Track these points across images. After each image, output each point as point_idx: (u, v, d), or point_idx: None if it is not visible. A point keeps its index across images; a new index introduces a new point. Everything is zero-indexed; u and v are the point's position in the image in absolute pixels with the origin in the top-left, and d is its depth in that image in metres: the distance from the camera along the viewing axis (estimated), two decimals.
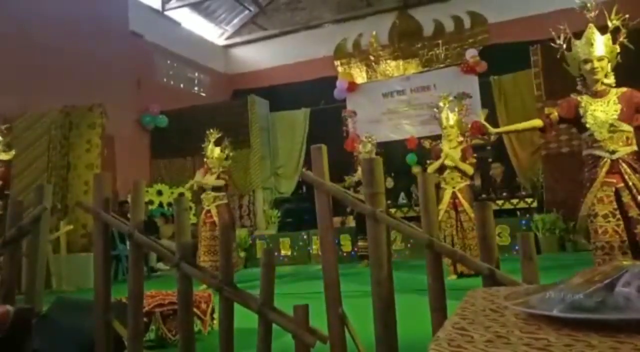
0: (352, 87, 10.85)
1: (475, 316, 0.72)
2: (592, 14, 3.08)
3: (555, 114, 3.18)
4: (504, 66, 9.20)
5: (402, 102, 10.57)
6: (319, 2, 11.95)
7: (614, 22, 3.03)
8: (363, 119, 10.61)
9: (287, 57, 11.86)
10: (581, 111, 3.12)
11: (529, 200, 8.05)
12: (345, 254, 8.20)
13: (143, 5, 10.67)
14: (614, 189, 3.01)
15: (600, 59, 3.04)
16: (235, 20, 12.76)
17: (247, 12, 12.60)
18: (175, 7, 11.17)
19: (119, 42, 9.51)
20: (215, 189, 6.26)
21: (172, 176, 10.18)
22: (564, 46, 3.19)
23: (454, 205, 5.43)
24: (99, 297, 2.41)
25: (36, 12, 7.97)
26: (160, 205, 9.72)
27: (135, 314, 2.28)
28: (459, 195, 5.41)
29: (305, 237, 8.69)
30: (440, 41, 10.65)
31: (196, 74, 12.09)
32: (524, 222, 7.54)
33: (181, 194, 8.00)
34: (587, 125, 3.09)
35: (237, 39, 12.82)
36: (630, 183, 2.96)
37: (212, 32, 12.62)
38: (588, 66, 3.07)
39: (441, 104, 5.78)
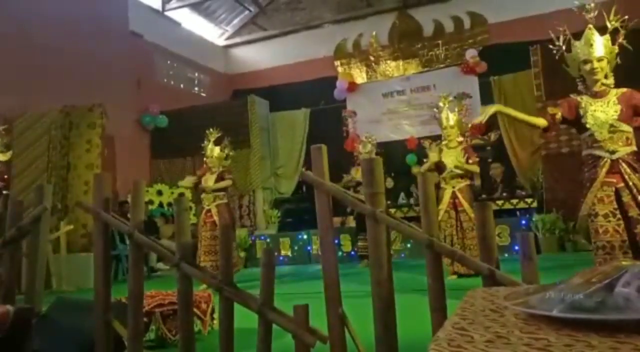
0: (352, 87, 10.86)
1: (475, 316, 0.72)
2: (592, 15, 3.08)
3: (559, 114, 3.18)
4: (504, 66, 9.20)
5: (402, 103, 10.58)
6: (319, 2, 11.95)
7: (613, 23, 3.03)
8: (363, 119, 10.61)
9: (287, 57, 11.86)
10: (581, 112, 3.13)
11: (529, 200, 8.05)
12: (345, 254, 8.21)
13: (143, 5, 10.67)
14: (614, 188, 3.01)
15: (599, 59, 3.04)
16: (235, 21, 12.76)
17: (247, 12, 12.60)
18: (175, 8, 11.18)
19: (119, 42, 9.51)
20: (218, 188, 6.25)
21: (172, 176, 10.17)
22: (564, 47, 3.19)
23: (454, 205, 5.43)
24: (99, 297, 2.41)
25: (36, 12, 7.97)
26: (160, 205, 9.73)
27: (135, 314, 2.28)
28: (459, 195, 5.41)
29: (305, 237, 8.69)
30: (440, 41, 10.65)
31: (196, 74, 12.09)
32: (524, 222, 7.54)
33: (181, 194, 7.99)
34: (587, 126, 3.09)
35: (237, 39, 12.82)
36: (631, 183, 2.97)
37: (212, 32, 12.62)
38: (588, 67, 3.07)
39: (441, 104, 5.78)
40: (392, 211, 5.65)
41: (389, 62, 11.05)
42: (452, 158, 5.51)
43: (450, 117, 5.66)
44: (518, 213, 8.03)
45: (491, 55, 9.71)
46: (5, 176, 6.51)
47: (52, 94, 7.81)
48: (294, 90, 11.33)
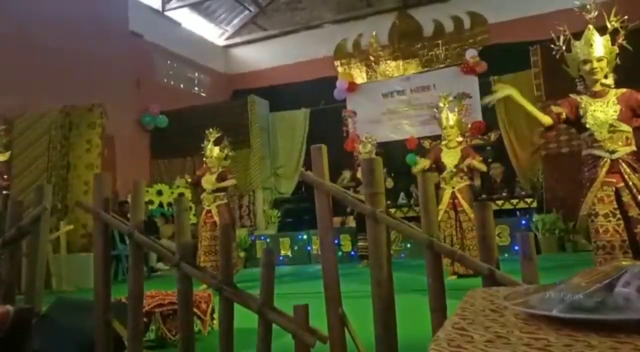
0: (352, 87, 10.86)
1: (475, 316, 0.72)
2: (592, 15, 3.08)
3: (564, 113, 3.18)
4: (504, 66, 9.19)
5: (402, 102, 10.58)
6: (319, 2, 11.95)
7: (613, 23, 3.03)
8: (363, 119, 10.61)
9: (287, 57, 11.86)
10: (581, 111, 3.13)
11: (528, 200, 8.05)
12: (345, 254, 8.21)
13: (143, 5, 10.67)
14: (614, 188, 3.01)
15: (599, 59, 3.05)
16: (235, 21, 12.76)
17: (247, 12, 12.60)
18: (175, 8, 11.18)
19: (118, 42, 9.51)
20: (218, 189, 6.24)
21: (172, 176, 10.18)
22: (564, 47, 3.20)
23: (454, 205, 5.42)
24: (99, 297, 2.41)
25: (36, 12, 7.97)
26: (160, 205, 9.72)
27: (135, 314, 2.28)
28: (459, 195, 5.40)
29: (305, 237, 8.69)
30: (440, 41, 10.65)
31: (196, 74, 12.09)
32: (523, 222, 7.54)
33: (181, 194, 8.01)
34: (587, 126, 3.10)
35: (237, 39, 12.82)
36: (630, 183, 2.97)
37: (212, 32, 12.62)
38: (587, 67, 3.07)
39: (441, 104, 5.78)
40: (392, 211, 5.65)
41: (389, 62, 11.05)
42: (451, 158, 5.51)
43: (450, 117, 5.65)
44: (518, 213, 8.03)
45: (491, 55, 9.72)
46: (5, 176, 6.50)
47: (52, 94, 7.81)
48: (294, 90, 11.33)
